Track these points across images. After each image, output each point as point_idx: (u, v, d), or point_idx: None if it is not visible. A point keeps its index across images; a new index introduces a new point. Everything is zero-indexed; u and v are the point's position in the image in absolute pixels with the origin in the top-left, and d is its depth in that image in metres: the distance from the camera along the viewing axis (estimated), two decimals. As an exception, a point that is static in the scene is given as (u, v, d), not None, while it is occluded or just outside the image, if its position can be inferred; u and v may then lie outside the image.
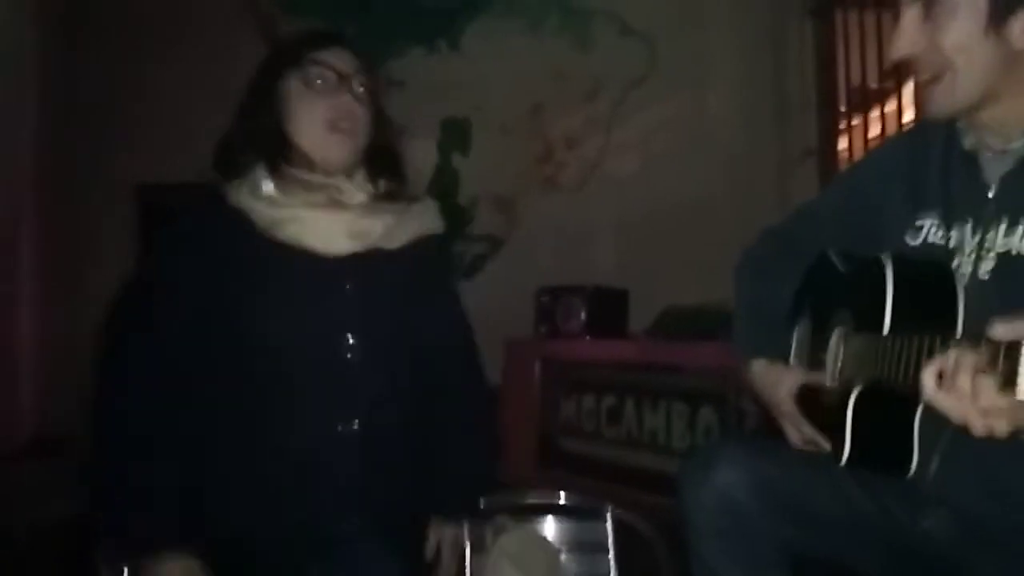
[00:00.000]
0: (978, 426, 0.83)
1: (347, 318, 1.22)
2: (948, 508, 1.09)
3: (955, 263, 1.07)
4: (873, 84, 3.83)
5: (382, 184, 1.30)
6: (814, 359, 1.23)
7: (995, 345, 0.78)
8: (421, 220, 1.32)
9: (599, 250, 4.10)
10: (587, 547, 1.44)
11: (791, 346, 1.29)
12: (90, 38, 4.19)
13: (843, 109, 4.03)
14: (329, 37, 1.31)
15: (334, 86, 1.25)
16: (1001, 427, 0.83)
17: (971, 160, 1.10)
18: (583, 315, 3.35)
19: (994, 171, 1.07)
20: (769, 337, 1.26)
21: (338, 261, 1.23)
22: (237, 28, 4.02)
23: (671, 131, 4.14)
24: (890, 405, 1.07)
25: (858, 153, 3.92)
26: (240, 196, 1.24)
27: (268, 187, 1.24)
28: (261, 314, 1.19)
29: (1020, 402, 0.78)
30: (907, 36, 1.06)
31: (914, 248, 1.12)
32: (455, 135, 4.22)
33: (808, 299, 1.28)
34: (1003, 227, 1.04)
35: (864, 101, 3.90)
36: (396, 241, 1.28)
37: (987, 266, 1.04)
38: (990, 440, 0.93)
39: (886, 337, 1.03)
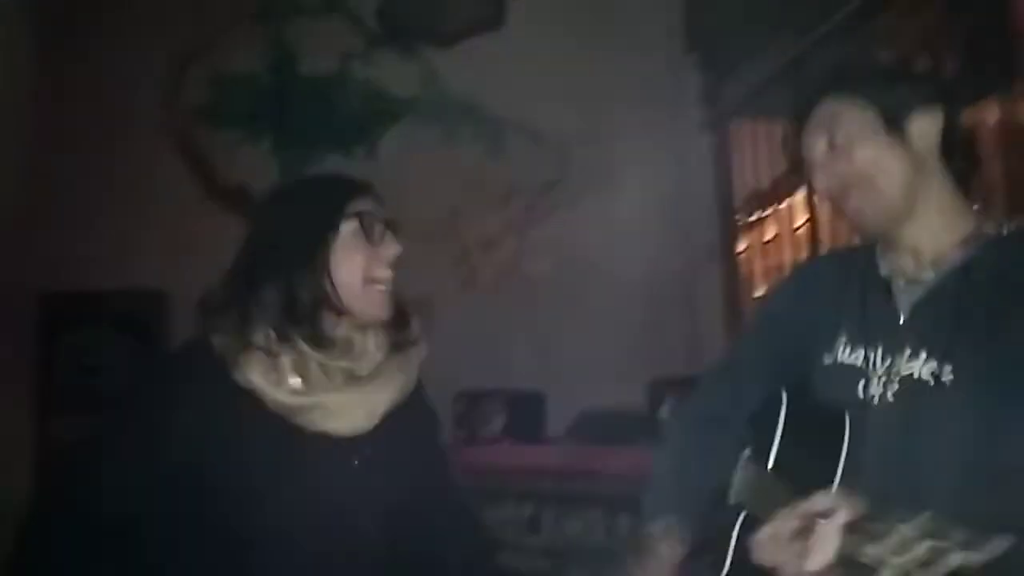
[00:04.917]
0: None
1: (358, 494, 1.19)
2: None
3: (866, 384, 1.14)
4: (766, 188, 4.10)
5: (393, 334, 1.27)
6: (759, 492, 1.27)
7: (807, 517, 0.89)
8: (415, 367, 1.29)
9: (516, 352, 4.15)
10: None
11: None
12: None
13: (739, 214, 4.28)
14: (367, 187, 1.26)
15: (379, 237, 1.22)
16: None
17: (886, 287, 1.17)
18: (501, 421, 3.37)
19: (905, 300, 1.15)
20: (686, 497, 1.25)
21: (348, 439, 1.19)
22: (152, 136, 4.00)
23: (582, 234, 4.29)
24: None
25: (755, 255, 4.16)
26: (251, 374, 1.15)
27: (295, 381, 1.16)
28: (273, 497, 1.13)
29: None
30: (824, 172, 1.16)
31: (827, 367, 1.18)
32: (372, 239, 4.25)
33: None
34: (908, 352, 1.11)
35: (759, 206, 4.16)
36: (399, 398, 1.25)
37: (893, 388, 1.11)
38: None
39: (766, 475, 1.12)
